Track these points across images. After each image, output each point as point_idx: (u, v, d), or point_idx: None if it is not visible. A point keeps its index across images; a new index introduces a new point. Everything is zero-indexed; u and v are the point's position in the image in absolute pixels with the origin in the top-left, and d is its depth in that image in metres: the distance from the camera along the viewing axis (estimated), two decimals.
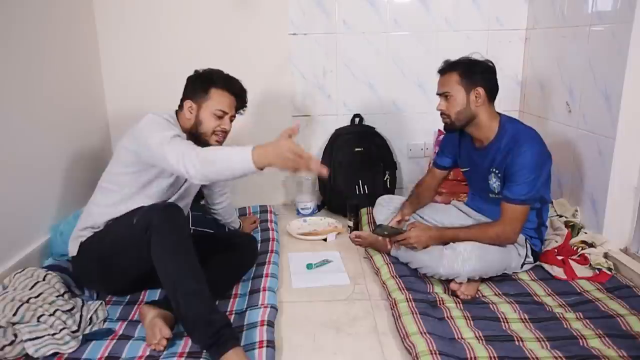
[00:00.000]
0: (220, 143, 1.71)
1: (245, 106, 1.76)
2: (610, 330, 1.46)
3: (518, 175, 1.68)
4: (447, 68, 1.77)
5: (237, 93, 1.70)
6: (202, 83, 1.68)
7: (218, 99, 1.66)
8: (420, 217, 2.03)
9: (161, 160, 1.48)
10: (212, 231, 2.05)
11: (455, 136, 1.95)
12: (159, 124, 1.56)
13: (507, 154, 1.72)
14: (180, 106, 1.71)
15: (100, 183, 1.70)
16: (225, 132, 1.70)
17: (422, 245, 1.77)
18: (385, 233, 1.87)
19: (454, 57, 1.80)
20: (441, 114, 1.81)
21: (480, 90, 1.74)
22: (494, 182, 1.80)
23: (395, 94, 2.64)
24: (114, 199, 1.63)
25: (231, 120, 1.71)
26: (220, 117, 1.66)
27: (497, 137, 1.77)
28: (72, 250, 1.66)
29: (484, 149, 1.82)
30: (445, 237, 1.76)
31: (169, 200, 1.67)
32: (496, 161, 1.77)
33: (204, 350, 1.37)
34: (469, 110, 1.76)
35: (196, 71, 1.73)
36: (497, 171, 1.78)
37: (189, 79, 1.72)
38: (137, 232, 1.45)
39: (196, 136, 1.68)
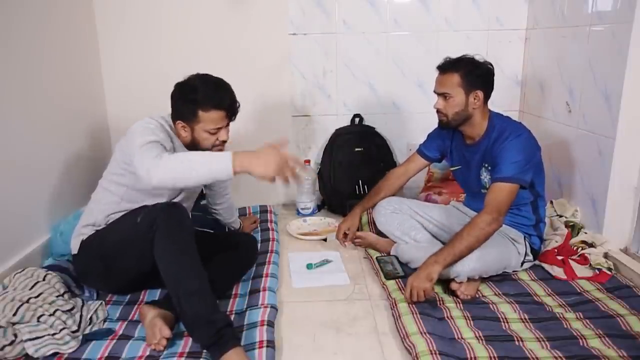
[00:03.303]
0: (222, 152, 1.67)
1: (237, 111, 1.67)
2: (610, 330, 1.46)
3: (504, 158, 1.69)
4: (449, 67, 1.76)
5: (226, 107, 1.60)
6: (187, 104, 1.59)
7: (209, 119, 1.59)
8: (417, 214, 2.02)
9: (133, 162, 1.47)
10: (212, 231, 2.05)
11: (448, 134, 1.95)
12: (148, 129, 1.55)
13: (495, 145, 1.74)
14: (174, 121, 1.65)
15: (102, 182, 1.70)
16: (224, 142, 1.67)
17: (428, 283, 1.58)
18: (399, 275, 1.84)
19: (454, 57, 1.80)
20: (437, 112, 1.82)
21: (480, 93, 1.75)
22: (485, 177, 1.81)
23: (395, 94, 2.64)
24: (115, 197, 1.64)
25: (227, 126, 1.66)
26: (215, 133, 1.62)
27: (486, 132, 1.80)
28: (74, 248, 1.66)
29: (475, 145, 1.84)
30: (441, 258, 1.62)
31: (174, 200, 1.67)
32: (487, 155, 1.79)
33: (204, 350, 1.37)
34: (466, 111, 1.77)
35: (177, 86, 1.63)
36: (487, 165, 1.79)
37: (173, 96, 1.64)
38: (141, 231, 1.45)
39: (198, 149, 1.66)
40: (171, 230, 1.42)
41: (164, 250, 1.42)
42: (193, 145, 1.65)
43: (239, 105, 1.68)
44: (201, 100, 1.58)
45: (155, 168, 1.40)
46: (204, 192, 2.02)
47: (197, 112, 1.59)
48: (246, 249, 1.89)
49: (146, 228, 1.44)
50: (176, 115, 1.64)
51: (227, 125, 1.67)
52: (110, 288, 1.73)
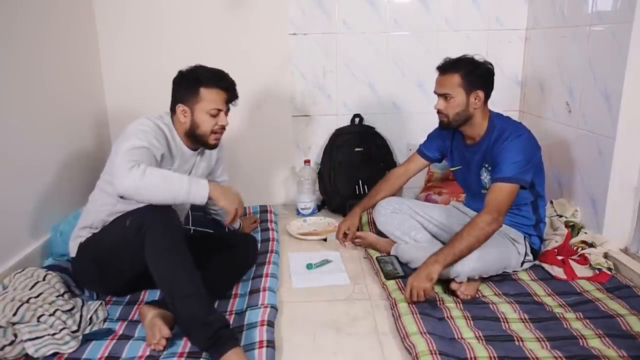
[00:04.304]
0: (218, 140, 1.70)
1: (237, 98, 1.70)
2: (610, 330, 1.46)
3: (505, 158, 1.69)
4: (449, 68, 1.76)
5: (227, 87, 1.64)
6: (190, 84, 1.62)
7: (210, 98, 1.62)
8: (417, 214, 2.01)
9: (113, 164, 1.48)
10: (211, 231, 2.05)
11: (448, 134, 1.95)
12: (142, 131, 1.55)
13: (495, 145, 1.74)
14: (173, 110, 1.67)
15: (98, 183, 1.70)
16: (224, 128, 1.68)
17: (428, 283, 1.58)
18: (399, 275, 1.84)
19: (454, 57, 1.80)
20: (438, 112, 1.82)
21: (480, 93, 1.75)
22: (485, 177, 1.81)
23: (395, 94, 2.64)
24: (111, 199, 1.62)
25: (226, 114, 1.68)
26: (215, 116, 1.64)
27: (487, 133, 1.80)
28: (72, 250, 1.66)
29: (475, 145, 1.84)
30: (441, 258, 1.62)
31: None
32: (487, 155, 1.78)
33: (204, 352, 1.37)
34: (467, 111, 1.77)
35: (180, 72, 1.67)
36: (487, 165, 1.79)
37: (175, 81, 1.67)
38: (131, 234, 1.45)
39: (195, 137, 1.67)
40: (160, 232, 1.41)
41: (154, 253, 1.41)
42: (192, 131, 1.65)
43: (238, 97, 1.70)
44: (204, 78, 1.62)
45: (125, 178, 1.41)
46: None
47: (199, 90, 1.61)
48: (246, 249, 1.89)
49: (135, 231, 1.43)
50: (177, 99, 1.65)
51: (227, 111, 1.68)
52: (108, 290, 1.73)
